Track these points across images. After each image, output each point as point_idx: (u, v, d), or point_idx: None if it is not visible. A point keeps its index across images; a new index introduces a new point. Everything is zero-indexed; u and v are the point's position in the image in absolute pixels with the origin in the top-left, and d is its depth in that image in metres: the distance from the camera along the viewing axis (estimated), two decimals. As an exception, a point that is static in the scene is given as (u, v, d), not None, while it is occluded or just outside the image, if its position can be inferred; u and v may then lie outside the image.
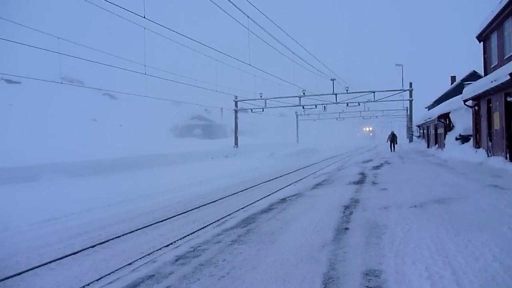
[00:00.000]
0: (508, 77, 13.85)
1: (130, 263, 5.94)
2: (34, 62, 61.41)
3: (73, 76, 77.20)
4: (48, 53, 18.58)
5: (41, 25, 22.25)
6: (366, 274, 4.37)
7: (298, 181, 15.90)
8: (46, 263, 6.25)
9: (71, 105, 66.61)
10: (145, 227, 8.61)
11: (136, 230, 8.34)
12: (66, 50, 18.98)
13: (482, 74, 21.85)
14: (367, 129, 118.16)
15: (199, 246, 6.24)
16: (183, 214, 9.93)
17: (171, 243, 6.98)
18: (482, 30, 19.89)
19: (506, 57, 17.10)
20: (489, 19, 18.50)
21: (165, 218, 9.41)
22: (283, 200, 10.45)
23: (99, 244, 7.31)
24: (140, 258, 6.16)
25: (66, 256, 6.59)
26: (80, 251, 6.89)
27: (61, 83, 24.85)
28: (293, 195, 11.12)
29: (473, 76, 39.16)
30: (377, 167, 18.74)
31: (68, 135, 50.73)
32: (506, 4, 16.26)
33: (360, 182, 13.22)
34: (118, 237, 7.79)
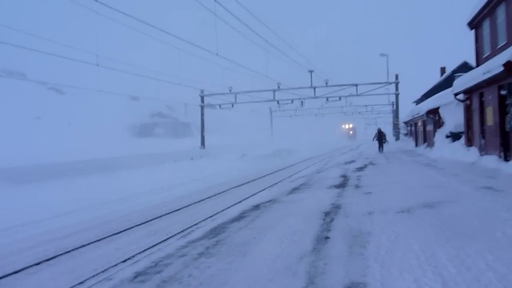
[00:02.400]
0: (502, 69, 14.20)
1: (82, 282, 5.84)
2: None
3: (12, 67, 75.40)
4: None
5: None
6: (349, 287, 4.42)
7: (273, 185, 15.96)
8: (-17, 285, 6.08)
9: (11, 100, 64.96)
10: (99, 240, 8.48)
11: (89, 243, 8.20)
12: (2, 37, 18.46)
13: (474, 65, 22.41)
14: (347, 126, 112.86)
15: (161, 261, 6.19)
16: (142, 225, 9.82)
17: (129, 258, 6.90)
18: (474, 17, 20.36)
19: (499, 47, 17.51)
20: (481, 4, 18.92)
21: (122, 230, 9.29)
22: (257, 207, 10.48)
23: (46, 260, 7.16)
24: (93, 276, 6.06)
25: (6, 276, 6.43)
26: (23, 269, 6.73)
27: (-1, 75, 24.22)
28: (268, 201, 11.16)
29: (465, 68, 40.23)
30: (360, 169, 19.01)
31: (8, 135, 49.44)
32: (498, -11, 16.69)
33: (342, 185, 13.37)
34: (68, 252, 7.65)
